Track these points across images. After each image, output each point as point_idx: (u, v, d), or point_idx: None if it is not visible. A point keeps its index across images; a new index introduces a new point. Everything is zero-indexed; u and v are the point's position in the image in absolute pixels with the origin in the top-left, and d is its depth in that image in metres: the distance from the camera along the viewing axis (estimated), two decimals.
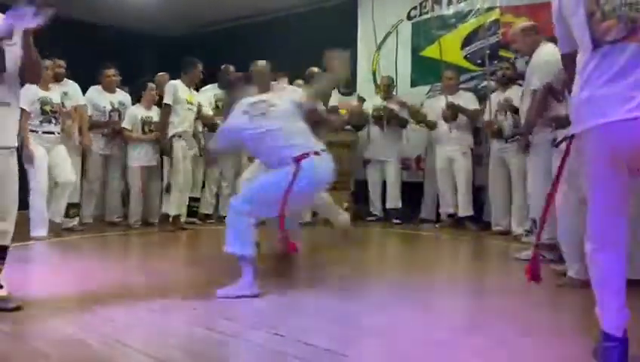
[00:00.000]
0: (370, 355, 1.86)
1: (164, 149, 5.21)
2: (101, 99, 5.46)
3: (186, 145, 5.18)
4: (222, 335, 2.10)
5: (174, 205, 5.13)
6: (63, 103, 4.87)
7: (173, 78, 5.52)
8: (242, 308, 2.48)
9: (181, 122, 5.14)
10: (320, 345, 1.94)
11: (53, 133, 4.68)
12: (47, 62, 4.66)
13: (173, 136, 5.10)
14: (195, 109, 5.34)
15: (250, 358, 1.85)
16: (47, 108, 4.64)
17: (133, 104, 5.61)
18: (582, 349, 1.89)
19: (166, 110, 5.13)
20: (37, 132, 4.55)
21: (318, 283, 3.06)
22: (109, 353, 1.94)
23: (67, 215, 5.10)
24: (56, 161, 4.65)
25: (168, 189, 5.15)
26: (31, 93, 4.51)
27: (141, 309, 2.54)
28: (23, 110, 4.38)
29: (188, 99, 5.23)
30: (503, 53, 5.49)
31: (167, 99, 5.12)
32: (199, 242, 4.96)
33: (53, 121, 4.68)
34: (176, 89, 5.16)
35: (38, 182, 4.45)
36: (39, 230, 4.46)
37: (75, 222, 5.19)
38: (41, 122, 4.59)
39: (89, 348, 1.99)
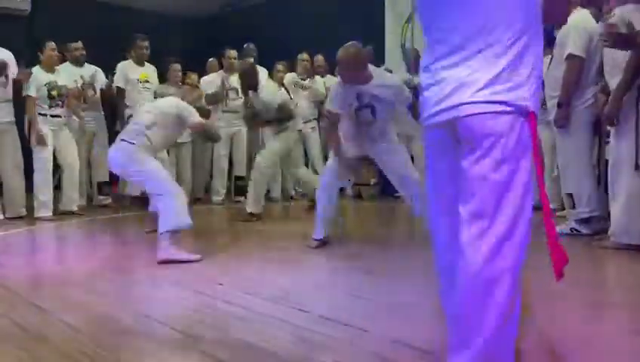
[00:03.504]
0: (393, 331, 1.84)
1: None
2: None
3: None
4: (246, 310, 2.12)
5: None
6: (83, 86, 4.94)
7: (201, 59, 5.45)
8: (266, 285, 2.49)
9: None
10: (341, 321, 1.93)
11: (60, 116, 4.74)
12: (49, 43, 4.68)
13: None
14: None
15: (273, 333, 1.86)
16: (55, 92, 4.68)
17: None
18: (615, 326, 1.83)
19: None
20: (46, 115, 4.63)
21: (342, 260, 3.05)
22: (137, 327, 1.99)
23: (100, 192, 5.26)
24: (61, 145, 4.73)
25: None
26: (38, 79, 4.58)
27: (168, 284, 2.59)
28: (28, 96, 4.51)
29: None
30: None
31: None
32: (229, 219, 5.01)
33: (60, 103, 4.73)
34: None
35: (42, 163, 4.56)
36: (44, 210, 4.55)
37: (109, 199, 5.33)
38: (50, 106, 4.66)
39: (118, 322, 2.04)
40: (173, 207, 2.98)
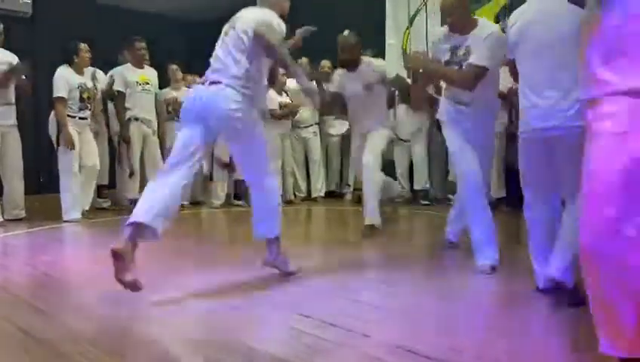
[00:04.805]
0: (395, 336, 1.84)
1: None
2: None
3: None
4: (249, 315, 2.11)
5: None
6: (95, 87, 4.94)
7: (202, 62, 5.43)
8: (268, 289, 2.49)
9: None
10: (344, 326, 1.93)
11: (86, 118, 4.76)
12: (83, 45, 4.69)
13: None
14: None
15: (275, 338, 1.87)
16: (86, 95, 4.69)
17: (160, 87, 5.65)
18: None
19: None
20: (74, 117, 4.63)
21: (343, 265, 3.05)
22: (139, 331, 1.99)
23: (100, 195, 5.25)
24: (83, 146, 4.72)
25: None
26: (70, 81, 4.57)
27: (170, 288, 2.58)
28: (59, 98, 4.50)
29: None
30: None
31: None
32: (230, 223, 5.01)
33: (88, 106, 4.75)
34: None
35: (68, 164, 4.55)
36: (72, 213, 4.55)
37: (109, 202, 5.32)
38: (80, 108, 4.67)
39: (120, 326, 2.04)
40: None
